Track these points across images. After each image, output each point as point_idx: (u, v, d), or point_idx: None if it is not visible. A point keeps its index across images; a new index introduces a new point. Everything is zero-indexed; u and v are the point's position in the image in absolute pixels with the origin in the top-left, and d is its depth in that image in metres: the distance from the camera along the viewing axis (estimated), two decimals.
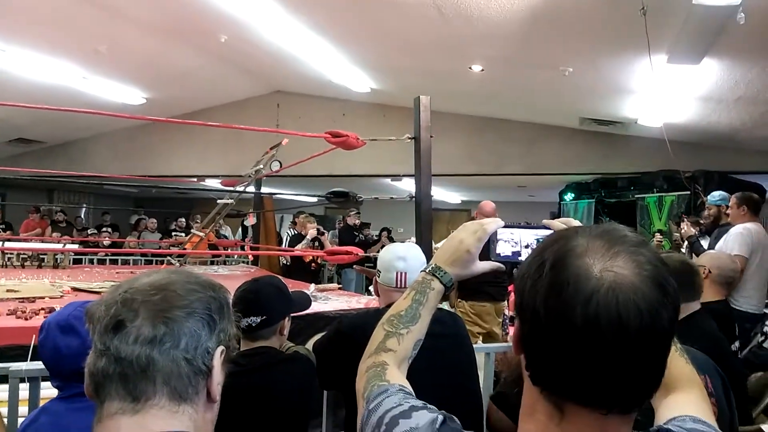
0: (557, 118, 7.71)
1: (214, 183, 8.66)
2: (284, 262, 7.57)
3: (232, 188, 6.69)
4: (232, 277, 6.80)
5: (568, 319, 0.60)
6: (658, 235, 7.16)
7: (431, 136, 4.21)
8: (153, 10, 5.78)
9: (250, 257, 8.61)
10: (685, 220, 5.49)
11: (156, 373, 0.75)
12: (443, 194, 12.95)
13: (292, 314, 1.90)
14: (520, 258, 1.03)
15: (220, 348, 0.81)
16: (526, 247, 1.04)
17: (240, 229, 10.41)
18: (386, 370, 0.90)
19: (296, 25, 5.63)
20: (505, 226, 1.03)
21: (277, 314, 1.80)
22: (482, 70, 6.07)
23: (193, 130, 9.27)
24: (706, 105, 5.88)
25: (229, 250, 9.54)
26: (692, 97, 5.65)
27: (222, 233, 11.26)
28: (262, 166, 6.23)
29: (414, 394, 0.86)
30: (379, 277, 1.92)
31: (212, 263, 8.60)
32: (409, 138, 4.25)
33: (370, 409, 0.82)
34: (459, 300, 4.60)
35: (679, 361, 0.97)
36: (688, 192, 7.10)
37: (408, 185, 8.73)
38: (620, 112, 6.73)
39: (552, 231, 0.98)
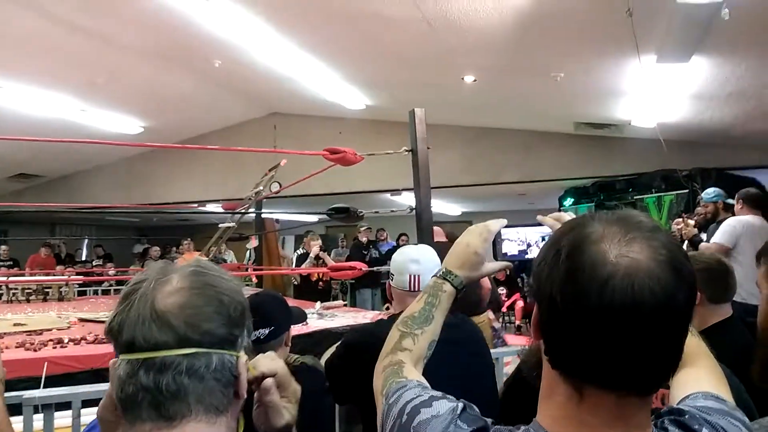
0: (552, 124, 7.75)
1: (215, 207, 8.69)
2: (294, 281, 7.62)
3: (233, 211, 6.73)
4: None
5: (584, 304, 0.62)
6: None
7: (428, 148, 4.27)
8: (146, 36, 5.84)
9: (254, 279, 8.63)
10: (685, 218, 5.48)
11: (189, 396, 0.73)
12: (443, 206, 12.96)
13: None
14: (527, 256, 1.08)
15: (244, 357, 0.81)
16: (529, 246, 1.09)
17: (247, 253, 10.42)
18: (403, 367, 0.93)
19: (288, 45, 5.70)
20: (507, 226, 1.08)
21: (282, 325, 1.79)
22: (475, 80, 6.12)
23: (192, 157, 9.35)
24: (699, 102, 5.91)
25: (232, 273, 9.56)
26: (684, 95, 5.69)
27: (222, 257, 11.27)
28: (261, 188, 6.28)
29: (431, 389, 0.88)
30: (392, 280, 1.87)
31: None
32: (407, 151, 4.30)
33: (390, 403, 0.84)
34: None
35: None
36: (687, 190, 7.10)
37: (407, 200, 8.74)
38: (614, 115, 6.77)
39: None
